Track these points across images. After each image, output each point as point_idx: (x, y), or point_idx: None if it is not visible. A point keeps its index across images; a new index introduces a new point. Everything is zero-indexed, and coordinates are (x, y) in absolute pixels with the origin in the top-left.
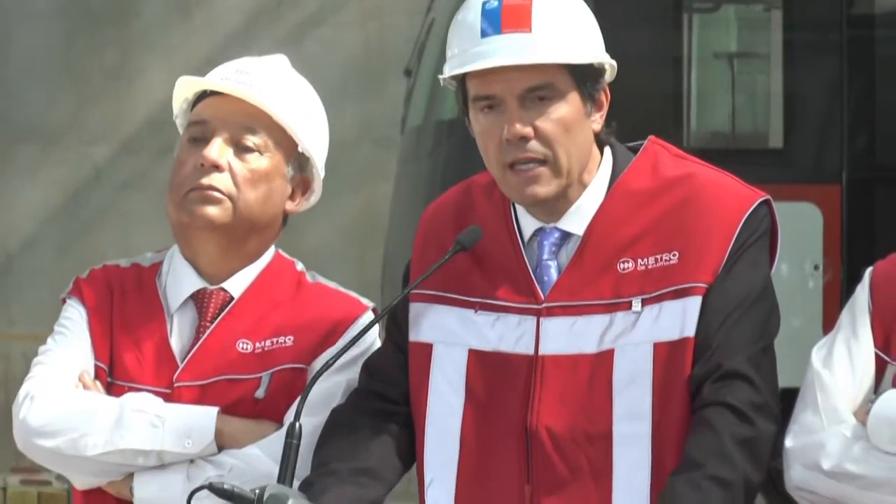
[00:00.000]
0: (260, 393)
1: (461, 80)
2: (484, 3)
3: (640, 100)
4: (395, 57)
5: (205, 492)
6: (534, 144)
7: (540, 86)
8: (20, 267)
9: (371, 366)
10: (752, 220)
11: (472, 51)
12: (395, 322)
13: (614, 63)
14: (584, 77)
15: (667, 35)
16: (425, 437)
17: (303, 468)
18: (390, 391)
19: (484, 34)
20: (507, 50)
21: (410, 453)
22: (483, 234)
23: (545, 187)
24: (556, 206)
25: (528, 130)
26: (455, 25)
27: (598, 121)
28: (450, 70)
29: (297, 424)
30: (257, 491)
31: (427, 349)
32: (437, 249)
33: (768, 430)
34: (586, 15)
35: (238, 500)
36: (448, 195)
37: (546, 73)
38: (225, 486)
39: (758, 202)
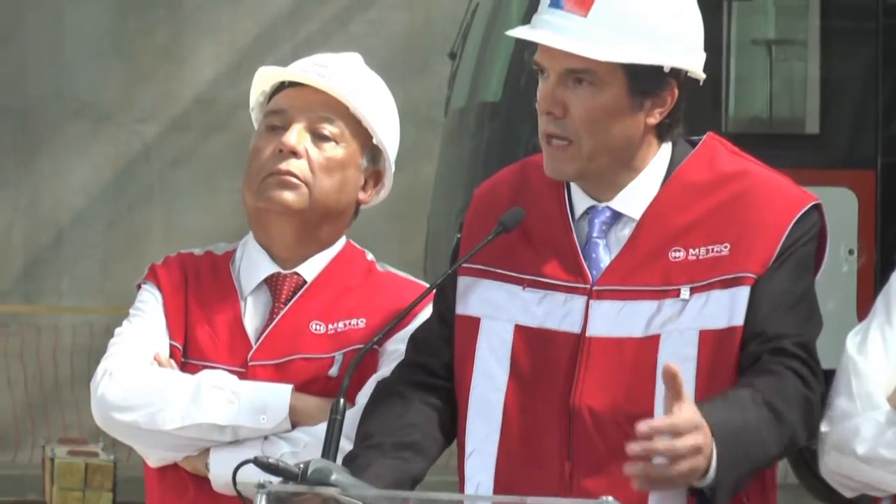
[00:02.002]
0: (333, 371)
1: None
2: None
3: (680, 84)
4: (440, 39)
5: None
6: (564, 123)
7: (579, 70)
8: (70, 241)
9: (417, 339)
10: (805, 221)
11: (537, 17)
12: (443, 296)
13: (694, 67)
14: (636, 73)
15: (706, 22)
16: (468, 408)
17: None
18: (435, 364)
19: (552, 4)
20: (555, 27)
21: (453, 427)
22: (534, 210)
23: (566, 166)
24: (606, 184)
25: (557, 108)
26: None
27: (655, 115)
28: (516, 31)
29: (342, 401)
30: (301, 465)
31: (474, 322)
32: (488, 227)
33: (820, 406)
34: (666, 13)
35: (283, 474)
36: (502, 173)
37: (588, 59)
38: (270, 461)
39: (811, 204)
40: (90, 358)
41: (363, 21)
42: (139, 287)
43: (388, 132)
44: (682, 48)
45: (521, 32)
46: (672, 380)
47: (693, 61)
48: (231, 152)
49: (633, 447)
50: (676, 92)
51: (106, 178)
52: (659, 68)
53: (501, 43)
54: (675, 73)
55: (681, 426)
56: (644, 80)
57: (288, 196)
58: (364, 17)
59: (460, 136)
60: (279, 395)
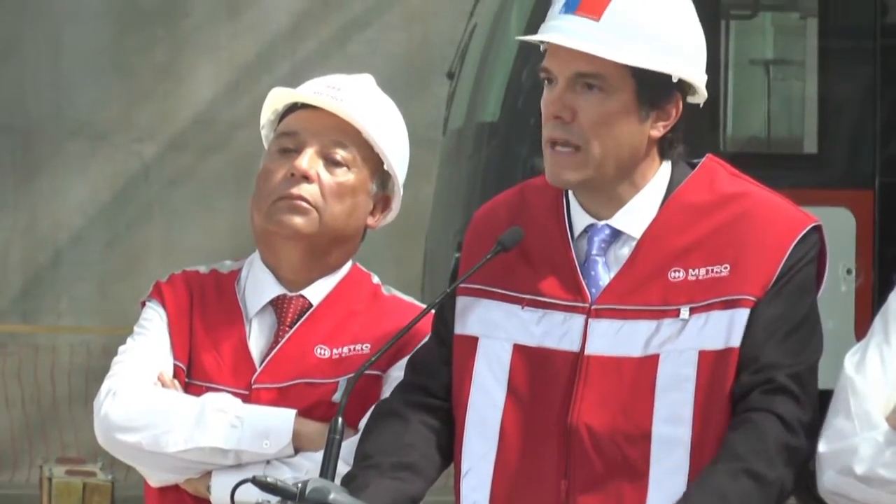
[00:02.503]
0: (337, 396)
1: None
2: None
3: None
4: (438, 59)
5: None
6: (572, 128)
7: (589, 73)
8: (68, 261)
9: (416, 360)
10: (805, 243)
11: (548, 23)
12: (442, 317)
13: (698, 82)
14: (645, 80)
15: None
16: (465, 427)
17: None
18: (434, 385)
19: (563, 11)
20: (567, 31)
21: (451, 448)
22: (533, 230)
23: (572, 173)
24: (606, 200)
25: (566, 112)
26: None
27: (658, 129)
28: (530, 35)
29: (340, 420)
30: (300, 485)
31: (472, 342)
32: (487, 248)
33: (807, 445)
34: (676, 25)
35: (282, 494)
36: (500, 196)
37: (600, 64)
38: (268, 480)
39: (811, 226)
40: (88, 378)
41: (362, 41)
42: (143, 304)
43: (398, 158)
44: (690, 62)
45: (528, 35)
46: None
47: (698, 77)
48: (229, 172)
49: None
50: (680, 106)
51: (104, 197)
52: (667, 78)
53: (499, 63)
54: (681, 86)
55: None
56: (652, 90)
57: (298, 221)
58: (362, 36)
59: (458, 157)
60: (283, 420)
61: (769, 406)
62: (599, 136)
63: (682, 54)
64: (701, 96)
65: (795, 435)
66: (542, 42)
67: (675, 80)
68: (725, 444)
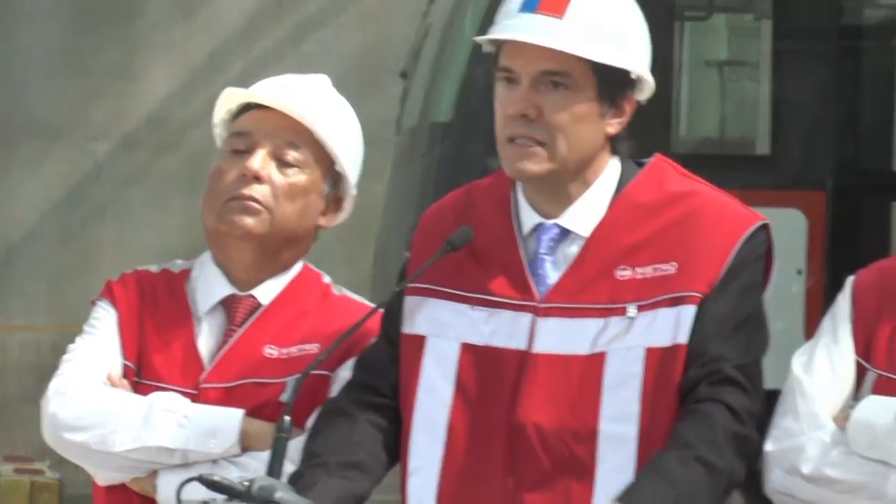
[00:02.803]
0: (285, 397)
1: (498, 48)
2: None
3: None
4: (392, 59)
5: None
6: (537, 126)
7: (555, 71)
8: (20, 259)
9: (363, 359)
10: (752, 241)
11: (505, 22)
12: (390, 317)
13: (650, 79)
14: (606, 77)
15: (658, 41)
16: (412, 425)
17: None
18: (381, 384)
19: (522, 9)
20: (531, 29)
21: (398, 447)
22: (482, 230)
23: (537, 165)
24: (557, 197)
25: (532, 111)
26: None
27: (614, 125)
28: (486, 35)
29: (287, 419)
30: (246, 483)
31: (420, 341)
32: (435, 248)
33: (757, 436)
34: (630, 18)
35: (228, 492)
36: (449, 197)
37: (565, 61)
38: (215, 478)
39: (758, 224)
40: (38, 376)
41: (316, 40)
42: (94, 303)
43: (351, 158)
44: (643, 59)
45: (490, 35)
46: None
47: (648, 74)
48: (182, 171)
49: None
50: (634, 102)
51: (57, 195)
52: (625, 75)
53: (453, 63)
54: (634, 83)
55: None
56: (611, 86)
57: (249, 221)
58: (317, 36)
59: (412, 156)
60: (230, 419)
61: (717, 396)
62: (565, 134)
63: (637, 50)
64: (647, 92)
65: (744, 424)
66: (493, 41)
67: (633, 76)
68: (675, 433)
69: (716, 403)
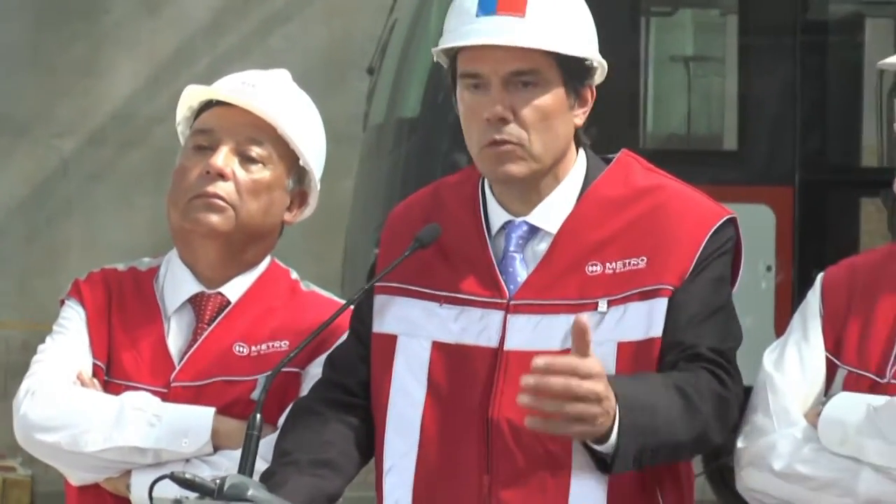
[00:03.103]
0: (256, 394)
1: (453, 57)
2: None
3: (598, 101)
4: (359, 55)
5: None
6: (511, 128)
7: (525, 71)
8: None
9: (334, 358)
10: (720, 234)
11: (464, 28)
12: (359, 315)
13: (605, 64)
14: (571, 70)
15: (624, 37)
16: (386, 425)
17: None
18: (351, 383)
19: (480, 13)
20: (497, 30)
21: (370, 445)
22: (450, 228)
23: (518, 166)
24: (528, 195)
25: (508, 113)
26: (454, 4)
27: (580, 116)
28: (441, 44)
29: (258, 416)
30: (218, 481)
31: (391, 340)
32: (404, 246)
33: (736, 409)
34: (583, 12)
35: (200, 490)
36: (416, 195)
37: (533, 59)
38: (186, 476)
39: (725, 218)
40: (7, 374)
41: (282, 35)
42: (62, 303)
43: (314, 153)
44: (595, 45)
45: (458, 42)
46: (580, 334)
47: (602, 59)
48: (148, 167)
49: (527, 379)
50: (593, 90)
51: (23, 192)
52: (585, 66)
53: (420, 59)
54: (592, 71)
55: (581, 370)
56: (576, 78)
57: (214, 219)
58: (283, 31)
59: (378, 152)
60: (201, 418)
61: (701, 366)
62: (539, 132)
63: (591, 38)
64: (601, 76)
65: (727, 390)
66: (446, 50)
67: (596, 65)
68: (661, 373)
69: (700, 368)
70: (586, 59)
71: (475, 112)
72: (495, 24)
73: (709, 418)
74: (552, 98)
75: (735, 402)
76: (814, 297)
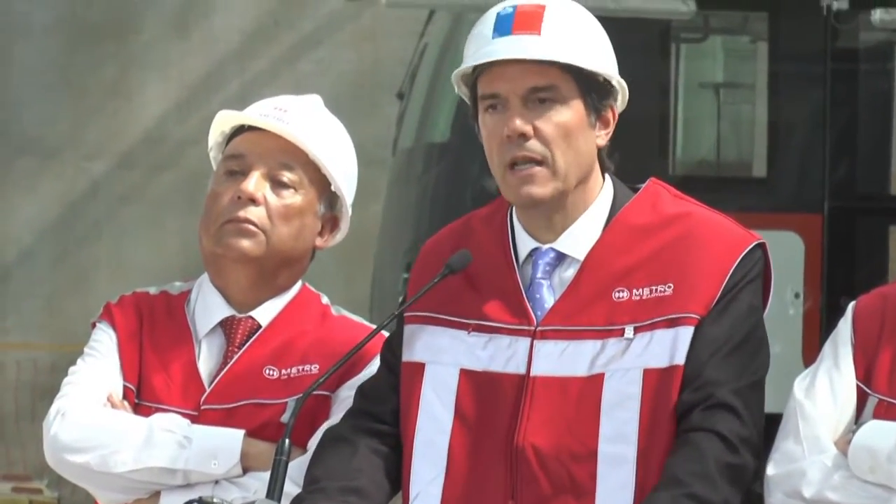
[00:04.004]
0: (286, 417)
1: (473, 85)
2: (499, 11)
3: (627, 127)
4: (388, 79)
5: None
6: (533, 144)
7: (543, 87)
8: (16, 277)
9: (365, 388)
10: (748, 260)
11: (481, 51)
12: (390, 346)
13: (625, 87)
14: (590, 87)
15: (655, 64)
16: (413, 452)
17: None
18: (382, 411)
19: (497, 35)
20: (513, 48)
21: (399, 474)
22: (479, 256)
23: (542, 188)
24: (553, 221)
25: (528, 128)
26: (471, 33)
27: (602, 136)
28: (460, 69)
29: (287, 441)
30: None
31: (419, 368)
32: (433, 277)
33: (751, 462)
34: (599, 32)
35: None
36: (447, 228)
37: (550, 75)
38: (214, 500)
39: (753, 244)
40: (35, 394)
41: (312, 60)
42: (94, 325)
43: (346, 178)
44: (615, 68)
45: (475, 61)
46: None
47: (623, 82)
48: (178, 190)
49: None
50: (616, 112)
51: (53, 214)
52: (605, 85)
53: (449, 83)
54: (613, 93)
55: None
56: (596, 95)
57: (245, 244)
58: (313, 55)
59: (408, 177)
60: (231, 440)
61: (709, 425)
62: (561, 148)
63: (610, 59)
64: (624, 102)
65: (736, 453)
66: (464, 78)
67: (615, 83)
68: (667, 468)
69: (707, 433)
70: (604, 76)
71: (496, 132)
72: (511, 42)
73: (726, 499)
74: (572, 114)
75: (746, 459)
76: (845, 326)
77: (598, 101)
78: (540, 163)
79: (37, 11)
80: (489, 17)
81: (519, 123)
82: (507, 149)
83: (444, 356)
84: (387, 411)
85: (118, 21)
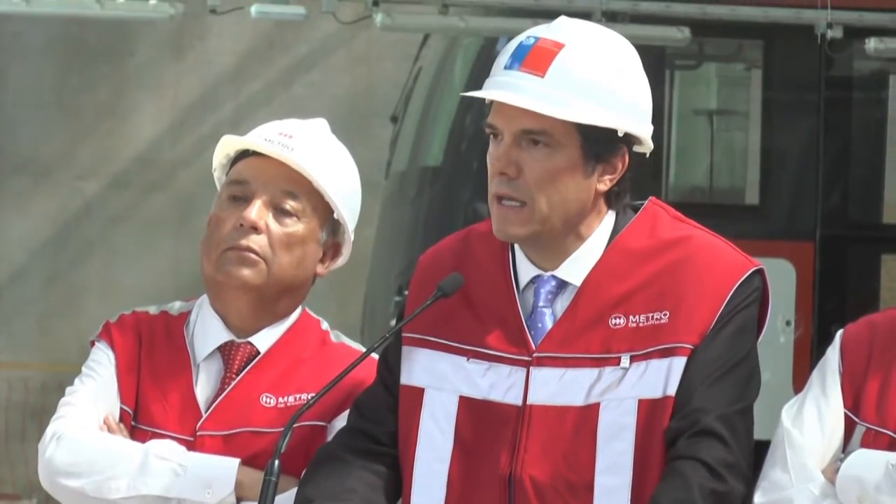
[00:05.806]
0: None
1: (491, 102)
2: (522, 40)
3: None
4: (382, 102)
5: None
6: (518, 184)
7: (535, 130)
8: (8, 297)
9: (360, 405)
10: (745, 288)
11: (491, 79)
12: (386, 364)
13: (644, 134)
14: (591, 135)
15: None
16: (413, 479)
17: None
18: (378, 432)
19: (507, 67)
20: (512, 87)
21: (395, 494)
22: (478, 277)
23: (519, 228)
24: (549, 253)
25: (511, 169)
26: (502, 50)
27: (605, 181)
28: (475, 90)
29: (276, 462)
30: None
31: (418, 393)
32: (431, 293)
33: (738, 489)
34: (622, 78)
35: None
36: (446, 241)
37: (545, 120)
38: None
39: (751, 271)
40: (25, 414)
41: (306, 83)
42: (92, 344)
43: (349, 206)
44: (636, 115)
45: (472, 91)
46: None
47: (644, 130)
48: (171, 211)
49: None
50: (627, 158)
51: (45, 234)
52: (613, 132)
53: (443, 107)
54: (627, 139)
55: None
56: (598, 144)
57: (246, 272)
58: (307, 78)
59: (401, 200)
60: (226, 468)
61: (694, 453)
62: (545, 192)
63: (628, 107)
64: (647, 147)
65: (721, 480)
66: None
67: (620, 134)
68: (653, 497)
69: (692, 461)
70: (608, 127)
71: (490, 163)
72: (515, 80)
73: None
74: (563, 160)
75: (733, 486)
76: (833, 354)
77: (602, 149)
78: (523, 203)
79: (31, 32)
80: (513, 44)
81: (503, 164)
82: (497, 182)
83: (444, 382)
84: (384, 432)
85: (112, 42)
